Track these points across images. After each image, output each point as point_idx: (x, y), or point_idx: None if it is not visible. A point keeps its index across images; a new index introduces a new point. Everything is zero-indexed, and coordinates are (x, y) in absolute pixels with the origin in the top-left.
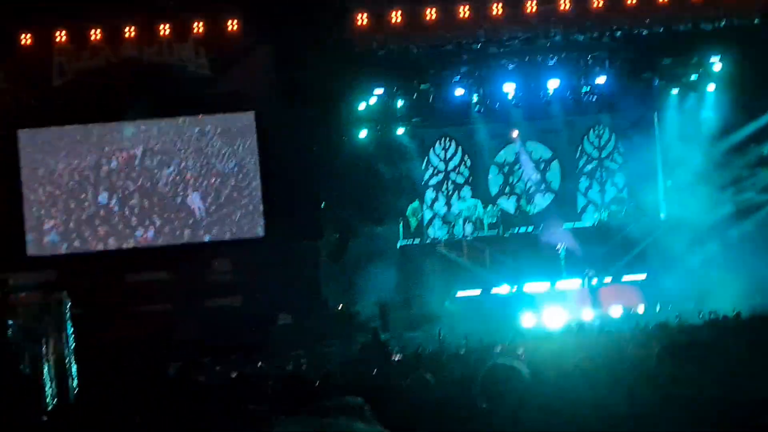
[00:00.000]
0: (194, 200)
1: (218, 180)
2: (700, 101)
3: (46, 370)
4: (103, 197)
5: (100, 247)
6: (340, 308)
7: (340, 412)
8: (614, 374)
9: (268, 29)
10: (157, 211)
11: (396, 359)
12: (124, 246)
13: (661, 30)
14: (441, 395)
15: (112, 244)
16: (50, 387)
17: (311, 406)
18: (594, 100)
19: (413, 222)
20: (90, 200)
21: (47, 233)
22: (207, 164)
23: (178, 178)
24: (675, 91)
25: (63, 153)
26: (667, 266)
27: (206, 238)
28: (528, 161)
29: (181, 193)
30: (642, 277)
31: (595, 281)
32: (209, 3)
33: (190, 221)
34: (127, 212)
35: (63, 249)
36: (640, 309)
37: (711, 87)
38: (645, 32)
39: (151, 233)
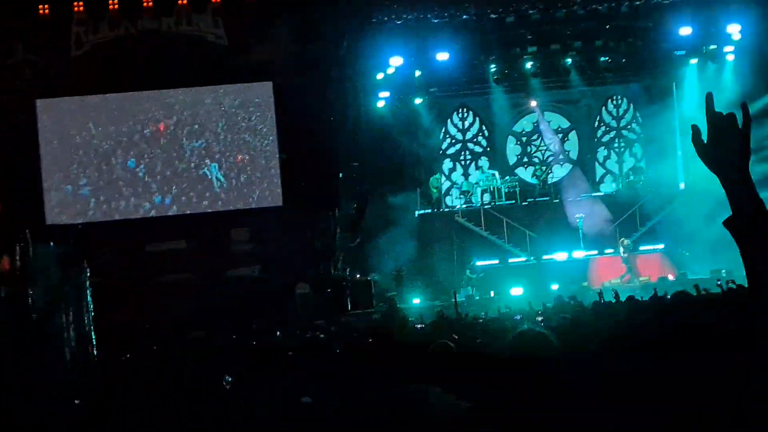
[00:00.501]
0: (212, 171)
1: (236, 150)
2: (720, 71)
3: (66, 339)
4: (123, 165)
5: (119, 216)
6: (357, 277)
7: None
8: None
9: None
10: (175, 180)
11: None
12: (143, 215)
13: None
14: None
15: (130, 213)
16: (70, 356)
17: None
18: (613, 69)
19: (434, 193)
20: (108, 169)
21: (66, 202)
22: (224, 134)
23: (194, 147)
24: (694, 60)
25: (81, 123)
26: (685, 236)
27: (224, 208)
28: (548, 130)
29: (196, 162)
30: (660, 247)
31: (623, 252)
32: None
33: (207, 193)
34: (148, 180)
35: (82, 218)
36: (671, 276)
37: (730, 56)
38: (665, 1)
39: (168, 201)
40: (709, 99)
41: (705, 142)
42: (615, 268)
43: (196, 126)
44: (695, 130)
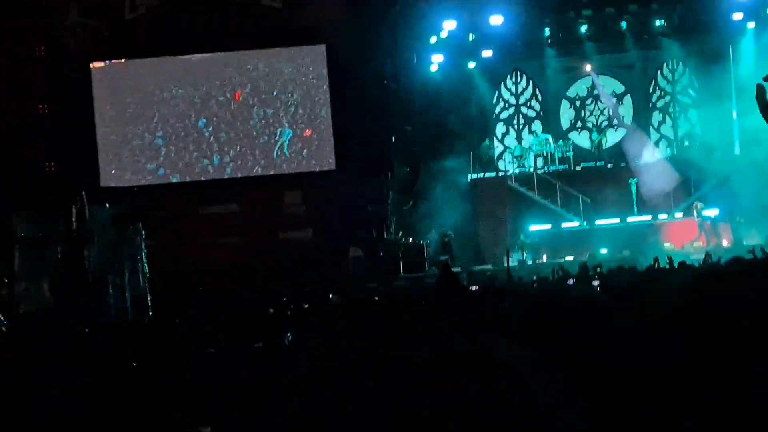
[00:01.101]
0: (284, 137)
1: (289, 112)
2: None
3: (122, 298)
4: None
5: (173, 179)
6: (410, 241)
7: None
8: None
9: None
10: (237, 142)
11: (471, 289)
12: (196, 178)
13: None
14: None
15: (184, 175)
16: (127, 314)
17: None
18: (668, 33)
19: (486, 156)
20: (160, 132)
21: (121, 164)
22: (278, 97)
23: (249, 108)
24: (752, 24)
25: (135, 85)
26: (739, 202)
27: (277, 172)
28: (603, 94)
29: (261, 127)
30: (714, 212)
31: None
32: None
33: (264, 158)
34: (212, 140)
35: (136, 181)
36: (726, 242)
37: None
38: None
39: (226, 160)
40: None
41: None
42: (689, 231)
43: (249, 87)
44: (760, 89)
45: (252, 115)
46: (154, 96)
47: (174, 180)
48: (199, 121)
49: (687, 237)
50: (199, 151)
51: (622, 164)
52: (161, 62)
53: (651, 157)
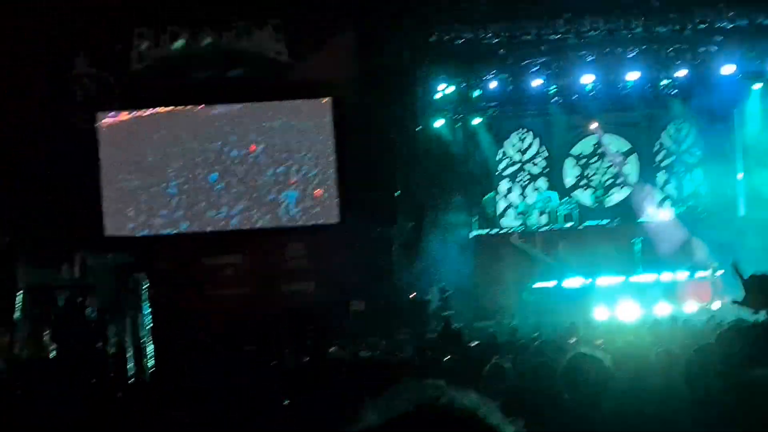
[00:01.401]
0: (290, 200)
1: (300, 171)
2: None
3: (123, 349)
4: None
5: (177, 229)
6: (412, 296)
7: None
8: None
9: (347, 16)
10: (245, 196)
11: (471, 346)
12: (201, 228)
13: (745, 23)
14: (519, 383)
15: (187, 226)
16: (127, 367)
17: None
18: (674, 93)
19: (489, 212)
20: (165, 184)
21: (125, 214)
22: (283, 149)
23: (254, 161)
24: (757, 86)
25: (140, 136)
26: (744, 264)
27: (282, 224)
28: (607, 152)
29: (270, 186)
30: (720, 273)
31: (719, 272)
32: None
33: (270, 214)
34: (221, 193)
35: (140, 231)
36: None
37: None
38: (728, 25)
39: (223, 214)
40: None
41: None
42: (701, 292)
43: (255, 140)
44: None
45: (263, 173)
46: (163, 147)
47: (177, 230)
48: (210, 175)
49: (701, 297)
50: (208, 203)
51: (628, 222)
52: (170, 115)
53: (661, 215)
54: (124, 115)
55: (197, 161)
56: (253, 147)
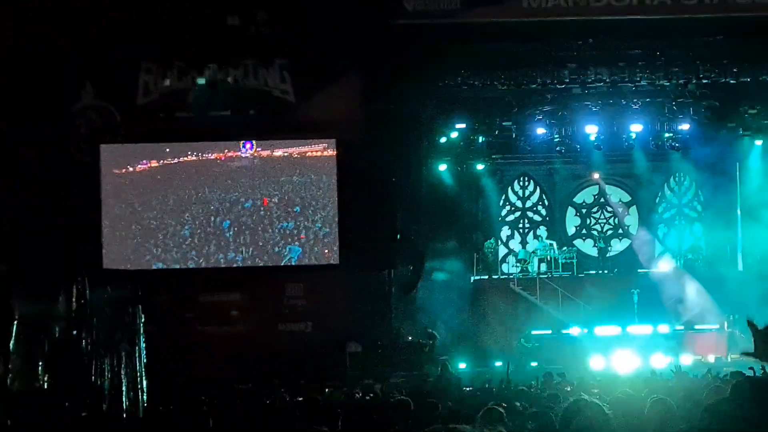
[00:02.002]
0: (293, 255)
1: (304, 220)
2: None
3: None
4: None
5: (162, 265)
6: (410, 339)
7: None
8: (688, 418)
9: (354, 58)
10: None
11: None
12: (189, 263)
13: (748, 79)
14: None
15: (177, 260)
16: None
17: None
18: (676, 146)
19: (489, 258)
20: (150, 209)
21: (123, 248)
22: (295, 204)
23: (265, 213)
24: (759, 141)
25: (142, 169)
26: (740, 317)
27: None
28: (609, 203)
29: (279, 239)
30: (715, 326)
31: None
32: (298, 31)
33: (271, 260)
34: (229, 238)
35: (138, 265)
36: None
37: None
38: (731, 81)
39: (239, 258)
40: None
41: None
42: (698, 344)
43: (258, 178)
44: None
45: (273, 225)
46: (185, 192)
47: (162, 265)
48: (224, 222)
49: (697, 350)
50: (218, 247)
51: (627, 273)
52: (194, 163)
53: (660, 267)
54: (126, 149)
55: (212, 209)
56: (265, 201)
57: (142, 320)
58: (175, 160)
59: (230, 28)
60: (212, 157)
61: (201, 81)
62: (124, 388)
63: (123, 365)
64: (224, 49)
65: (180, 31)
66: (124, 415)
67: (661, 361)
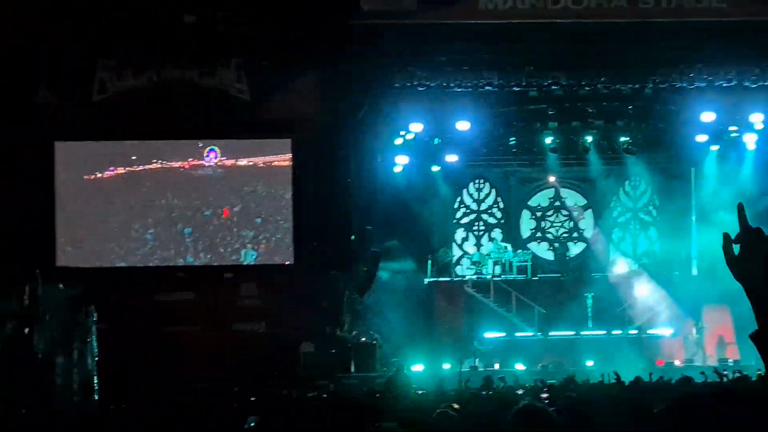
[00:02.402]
0: (249, 258)
1: (252, 205)
2: (740, 159)
3: (69, 381)
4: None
5: (124, 264)
6: (362, 340)
7: None
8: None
9: (310, 58)
10: (204, 249)
11: (419, 392)
12: (153, 264)
13: (704, 84)
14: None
15: (137, 261)
16: (72, 398)
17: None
18: (632, 150)
19: (444, 260)
20: (115, 214)
21: (77, 246)
22: (241, 189)
23: (215, 210)
24: (715, 146)
25: (98, 167)
26: (696, 322)
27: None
28: (564, 206)
29: (238, 247)
30: (670, 331)
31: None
32: (255, 30)
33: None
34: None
35: (92, 263)
36: (678, 362)
37: (751, 145)
38: (688, 86)
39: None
40: (741, 210)
41: (735, 253)
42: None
43: (213, 179)
44: (725, 237)
45: (233, 234)
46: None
47: (124, 264)
48: (185, 230)
49: (651, 354)
50: (177, 252)
51: (581, 277)
52: (122, 146)
53: (615, 271)
54: (81, 147)
55: (173, 216)
56: (226, 211)
57: (95, 319)
58: (140, 168)
59: (187, 27)
60: (176, 165)
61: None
62: (75, 386)
63: (75, 363)
64: (181, 47)
65: (136, 29)
66: (75, 412)
67: (614, 366)
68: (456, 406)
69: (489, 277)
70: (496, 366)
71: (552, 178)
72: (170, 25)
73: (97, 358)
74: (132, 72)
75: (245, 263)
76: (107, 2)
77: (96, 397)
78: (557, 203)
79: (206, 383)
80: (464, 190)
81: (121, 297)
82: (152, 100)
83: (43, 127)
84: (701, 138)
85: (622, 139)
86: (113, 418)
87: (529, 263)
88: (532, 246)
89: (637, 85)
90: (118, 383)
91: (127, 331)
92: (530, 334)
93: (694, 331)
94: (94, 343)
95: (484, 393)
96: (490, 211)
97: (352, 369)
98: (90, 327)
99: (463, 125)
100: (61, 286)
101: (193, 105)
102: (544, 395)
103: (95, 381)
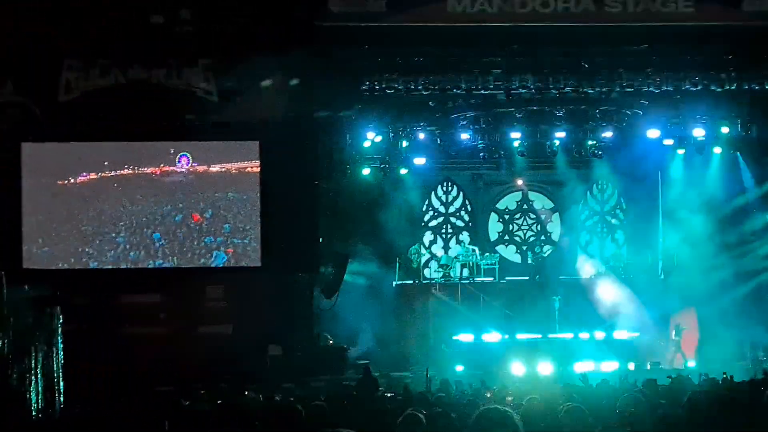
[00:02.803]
0: (219, 261)
1: (218, 206)
2: (706, 163)
3: (33, 383)
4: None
5: (96, 264)
6: (330, 343)
7: None
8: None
9: (278, 60)
10: (173, 253)
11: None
12: (121, 266)
13: (671, 89)
14: None
15: (107, 262)
16: (36, 401)
17: None
18: (599, 154)
19: (413, 262)
20: (87, 218)
21: (43, 247)
22: (208, 191)
23: (186, 215)
24: (681, 150)
25: (64, 168)
26: (661, 326)
27: (202, 265)
28: (532, 209)
29: (206, 251)
30: (636, 335)
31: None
32: (222, 31)
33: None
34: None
35: (59, 264)
36: (631, 365)
37: (717, 149)
38: (655, 90)
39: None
40: None
41: None
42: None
43: (180, 181)
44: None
45: (202, 239)
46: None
47: (96, 265)
48: (154, 234)
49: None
50: (148, 255)
51: (549, 280)
52: (89, 147)
53: (582, 274)
54: (47, 147)
55: (144, 221)
56: (195, 216)
57: (61, 320)
58: (112, 173)
59: (154, 27)
60: (148, 171)
61: None
62: (40, 388)
63: (40, 365)
64: (148, 47)
65: (103, 28)
66: (40, 415)
67: (581, 368)
68: (423, 412)
69: (457, 280)
70: (463, 368)
71: (520, 181)
72: (137, 25)
73: (62, 360)
74: (99, 72)
75: (214, 266)
76: (74, 1)
77: (61, 399)
78: (525, 206)
79: (172, 385)
80: (432, 193)
81: (87, 299)
82: (119, 101)
83: (8, 128)
84: (667, 142)
85: (590, 142)
86: (78, 420)
87: (496, 266)
88: (500, 249)
89: (604, 89)
90: (84, 385)
91: (93, 332)
92: (497, 337)
93: (673, 333)
94: (60, 345)
95: (451, 396)
96: (458, 213)
97: (320, 372)
98: (55, 329)
99: (430, 128)
100: (26, 287)
101: (160, 106)
102: (509, 398)
103: (61, 383)
